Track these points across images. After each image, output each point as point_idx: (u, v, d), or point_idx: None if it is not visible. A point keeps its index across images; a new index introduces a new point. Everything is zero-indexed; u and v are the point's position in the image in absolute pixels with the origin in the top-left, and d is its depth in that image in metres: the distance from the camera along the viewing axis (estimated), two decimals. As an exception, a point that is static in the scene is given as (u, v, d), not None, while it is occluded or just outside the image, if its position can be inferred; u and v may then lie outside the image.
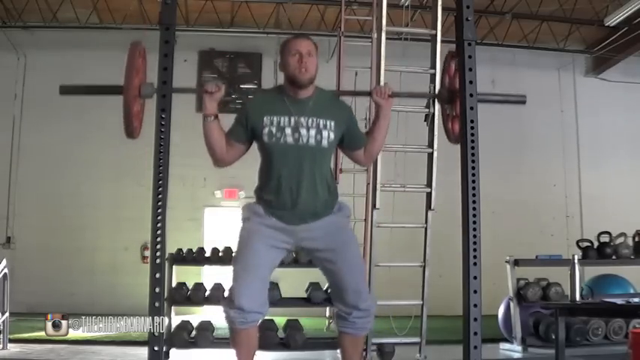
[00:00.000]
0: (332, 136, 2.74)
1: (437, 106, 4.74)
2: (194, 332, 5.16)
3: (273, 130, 2.70)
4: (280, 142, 2.70)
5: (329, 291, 5.22)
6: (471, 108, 2.99)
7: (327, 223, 2.77)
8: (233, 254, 2.82)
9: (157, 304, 2.72)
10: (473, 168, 2.95)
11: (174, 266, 5.53)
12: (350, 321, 2.74)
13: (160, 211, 2.78)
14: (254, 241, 2.73)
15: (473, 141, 2.97)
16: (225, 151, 2.79)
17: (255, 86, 11.19)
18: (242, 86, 11.17)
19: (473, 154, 2.96)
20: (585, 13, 10.22)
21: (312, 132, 2.71)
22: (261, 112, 2.73)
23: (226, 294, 2.72)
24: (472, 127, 2.97)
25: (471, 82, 3.01)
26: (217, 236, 9.66)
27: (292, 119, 2.71)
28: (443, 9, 4.85)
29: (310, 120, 2.72)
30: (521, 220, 10.76)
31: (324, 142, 2.73)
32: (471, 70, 3.02)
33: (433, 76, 4.82)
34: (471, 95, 3.01)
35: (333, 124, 2.75)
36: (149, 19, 10.10)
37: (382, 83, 4.58)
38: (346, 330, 2.77)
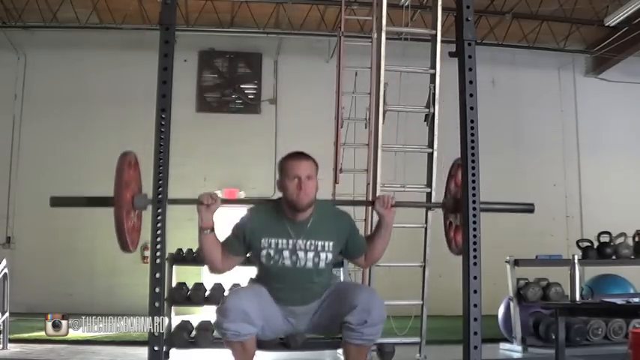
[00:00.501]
0: (330, 257, 2.78)
1: (437, 106, 4.75)
2: (194, 332, 5.15)
3: (272, 252, 2.72)
4: (278, 264, 2.73)
5: None
6: (471, 108, 2.99)
7: (326, 294, 2.84)
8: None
9: (157, 304, 2.71)
10: (473, 168, 2.94)
11: (174, 266, 5.52)
12: (358, 332, 2.67)
13: (160, 210, 2.77)
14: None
15: (473, 141, 2.96)
16: (221, 261, 2.78)
17: (255, 86, 11.18)
18: (242, 86, 11.17)
19: (473, 154, 2.95)
20: (585, 13, 10.22)
21: (310, 255, 2.73)
22: (260, 232, 2.74)
23: (219, 306, 2.67)
24: (472, 127, 2.96)
25: (471, 82, 3.00)
26: (217, 236, 9.65)
27: (290, 242, 2.72)
28: (443, 9, 4.84)
29: (308, 243, 2.73)
30: (521, 220, 10.72)
31: (322, 265, 2.76)
32: (471, 70, 3.01)
33: (433, 76, 4.82)
34: (471, 95, 3.00)
35: (331, 244, 2.77)
36: (149, 19, 10.11)
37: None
38: (352, 341, 2.70)
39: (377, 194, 4.72)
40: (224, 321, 2.59)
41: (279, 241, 2.72)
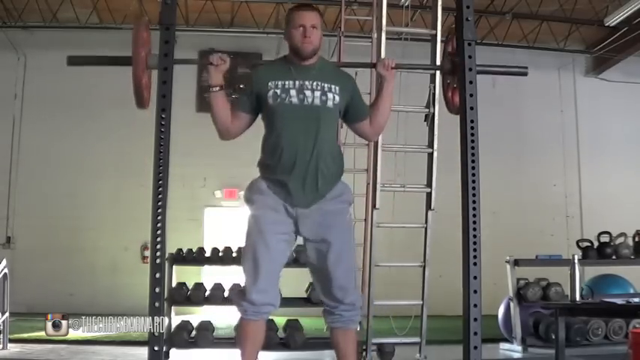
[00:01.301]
0: (337, 98, 2.78)
1: (437, 106, 4.74)
2: (194, 332, 5.16)
3: (278, 92, 2.74)
4: (285, 102, 2.73)
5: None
6: (471, 108, 2.99)
7: (326, 212, 2.76)
8: (244, 242, 2.83)
9: (157, 304, 2.71)
10: (473, 168, 2.95)
11: (174, 266, 5.53)
12: (336, 314, 2.78)
13: (160, 211, 2.77)
14: (263, 233, 2.73)
15: (473, 141, 2.96)
16: (231, 121, 2.82)
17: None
18: (242, 86, 11.16)
19: (473, 154, 2.95)
20: (585, 13, 10.22)
21: (317, 93, 2.75)
22: (266, 77, 2.79)
23: (241, 287, 2.80)
24: (472, 127, 2.97)
25: (471, 83, 3.01)
26: (217, 236, 9.67)
27: (297, 82, 2.75)
28: (443, 9, 4.84)
29: (315, 83, 2.76)
30: (521, 220, 10.75)
31: (330, 103, 2.76)
32: (470, 70, 3.02)
33: (433, 76, 4.81)
34: (471, 95, 3.00)
35: (337, 88, 2.79)
36: (149, 19, 10.10)
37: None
38: (335, 324, 2.81)
39: (377, 194, 4.73)
40: (246, 299, 2.70)
41: (286, 82, 2.75)
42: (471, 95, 3.00)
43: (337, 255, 2.75)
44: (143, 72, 2.90)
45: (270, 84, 2.75)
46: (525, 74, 3.24)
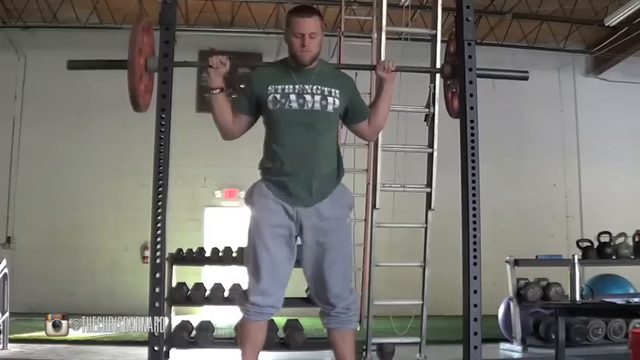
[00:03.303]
0: (337, 102, 2.78)
1: (437, 106, 4.74)
2: (194, 332, 5.15)
3: (278, 96, 2.74)
4: (285, 107, 2.73)
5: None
6: (471, 108, 2.99)
7: (326, 216, 2.76)
8: (245, 244, 2.84)
9: (157, 304, 2.71)
10: (473, 168, 2.95)
11: (174, 266, 5.52)
12: (333, 316, 2.80)
13: (160, 211, 2.77)
14: (262, 235, 2.74)
15: (473, 141, 2.96)
16: (232, 122, 2.82)
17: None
18: (242, 86, 11.15)
19: (473, 154, 2.95)
20: (585, 13, 10.22)
21: (317, 98, 2.75)
22: (266, 81, 2.78)
23: (243, 287, 2.82)
24: (472, 127, 2.97)
25: (470, 82, 3.01)
26: (217, 236, 9.67)
27: (297, 87, 2.75)
28: (443, 9, 4.84)
29: (315, 87, 2.76)
30: (521, 219, 10.75)
31: (330, 108, 2.76)
32: (470, 70, 3.02)
33: (433, 75, 4.81)
34: (471, 95, 3.01)
35: (337, 92, 2.79)
36: (149, 20, 10.11)
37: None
38: (331, 325, 2.82)
39: (377, 194, 4.73)
40: (250, 299, 2.72)
41: (286, 86, 2.75)
42: (471, 95, 3.00)
43: (333, 261, 2.76)
44: (141, 77, 2.89)
45: (269, 88, 2.75)
46: (526, 79, 3.25)
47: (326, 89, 2.76)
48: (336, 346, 2.84)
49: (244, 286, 2.83)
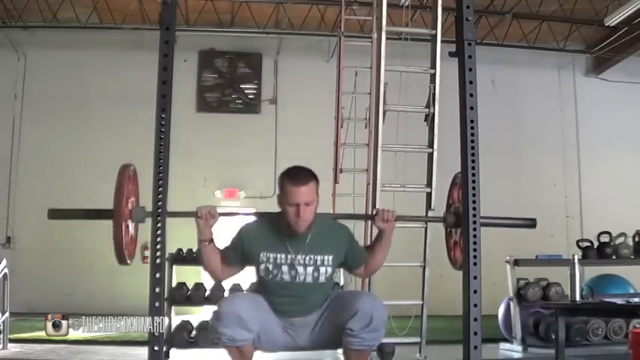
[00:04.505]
0: (329, 271, 2.76)
1: (437, 106, 4.75)
2: (194, 332, 5.16)
3: (270, 267, 2.71)
4: (277, 279, 2.71)
5: None
6: (471, 108, 2.99)
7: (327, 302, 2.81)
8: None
9: (157, 304, 2.71)
10: (473, 168, 2.94)
11: (174, 266, 5.53)
12: (359, 337, 2.63)
13: (160, 211, 2.77)
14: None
15: (473, 141, 2.96)
16: (221, 270, 2.80)
17: (255, 86, 11.18)
18: (242, 86, 11.16)
19: (473, 154, 2.95)
20: (585, 13, 10.23)
21: (310, 269, 2.71)
22: (258, 246, 2.73)
23: (214, 310, 2.64)
24: (472, 127, 2.96)
25: (470, 82, 3.00)
26: (217, 236, 9.66)
27: (289, 257, 2.70)
28: (443, 9, 4.84)
29: (307, 257, 2.71)
30: (521, 220, 10.74)
31: (322, 279, 2.74)
32: (471, 70, 3.01)
33: (433, 76, 4.82)
34: (471, 95, 3.00)
35: (330, 259, 2.75)
36: (149, 19, 10.11)
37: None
38: (354, 347, 2.65)
39: (377, 194, 4.73)
40: (218, 325, 2.57)
41: (278, 256, 2.70)
42: (471, 95, 3.00)
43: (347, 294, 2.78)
44: (126, 229, 2.78)
45: (261, 256, 2.70)
46: (534, 226, 3.13)
47: (319, 258, 2.72)
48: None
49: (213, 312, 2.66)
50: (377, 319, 2.61)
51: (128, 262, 2.82)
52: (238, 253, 2.76)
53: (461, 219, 2.97)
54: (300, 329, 2.76)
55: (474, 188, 2.94)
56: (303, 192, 2.64)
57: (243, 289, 5.09)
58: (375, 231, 2.97)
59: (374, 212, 2.95)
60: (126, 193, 2.76)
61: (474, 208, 2.91)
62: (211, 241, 2.74)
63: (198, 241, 2.73)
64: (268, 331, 2.70)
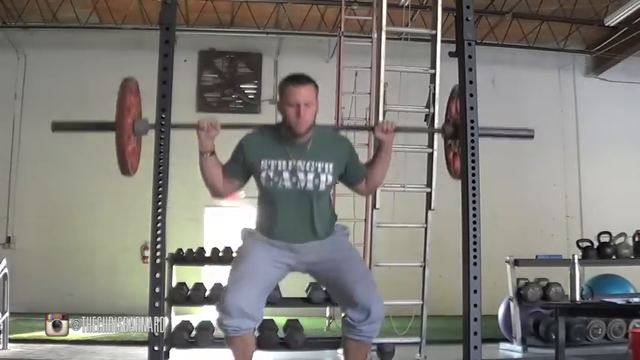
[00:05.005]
0: (330, 179, 2.76)
1: (437, 106, 4.75)
2: (194, 332, 5.15)
3: (271, 174, 2.72)
4: (278, 186, 2.72)
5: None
6: (471, 108, 2.99)
7: (329, 241, 2.80)
8: (234, 256, 2.82)
9: (157, 304, 2.71)
10: (473, 168, 2.95)
11: (174, 266, 5.53)
12: (357, 329, 2.72)
13: (160, 211, 2.78)
14: (254, 252, 2.75)
15: (473, 141, 2.96)
16: (223, 185, 2.80)
17: (255, 86, 11.18)
18: (242, 86, 11.16)
19: (473, 154, 2.95)
20: (585, 13, 10.22)
21: (310, 176, 2.72)
22: (259, 154, 2.74)
23: (220, 300, 2.70)
24: (472, 128, 2.96)
25: (470, 82, 3.01)
26: (217, 236, 9.66)
27: (290, 163, 2.71)
28: (443, 9, 4.85)
29: (308, 164, 2.72)
30: (521, 220, 10.75)
31: (322, 186, 2.75)
32: (471, 70, 3.02)
33: (433, 76, 4.82)
34: (471, 95, 3.00)
35: (331, 166, 2.76)
36: (149, 19, 10.11)
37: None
38: (352, 337, 2.76)
39: (377, 194, 4.73)
40: (225, 318, 2.62)
41: (279, 162, 2.71)
42: (471, 95, 3.00)
43: (352, 269, 2.76)
44: (128, 139, 2.84)
45: (262, 163, 2.72)
46: (532, 137, 3.13)
47: (319, 165, 2.73)
48: (350, 355, 2.81)
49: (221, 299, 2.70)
50: (374, 313, 2.69)
51: (131, 173, 2.86)
52: (240, 164, 2.77)
53: (458, 130, 3.01)
54: (299, 255, 2.77)
55: (474, 188, 2.95)
56: (303, 92, 2.66)
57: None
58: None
59: (374, 123, 2.98)
60: (128, 104, 2.83)
61: (474, 208, 2.92)
62: (212, 153, 2.75)
63: (200, 153, 2.74)
64: (269, 276, 2.77)
